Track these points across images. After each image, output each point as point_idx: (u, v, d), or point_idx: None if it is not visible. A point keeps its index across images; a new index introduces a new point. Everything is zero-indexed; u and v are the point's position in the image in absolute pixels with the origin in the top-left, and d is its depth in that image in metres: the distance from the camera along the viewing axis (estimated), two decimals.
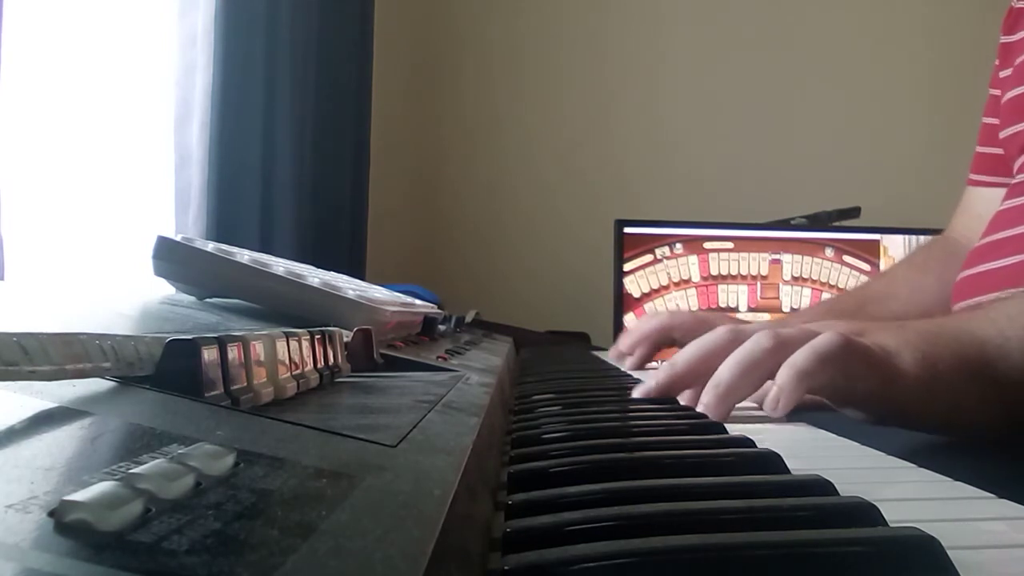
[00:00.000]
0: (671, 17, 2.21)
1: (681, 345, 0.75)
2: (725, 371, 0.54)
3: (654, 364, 0.97)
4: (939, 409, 0.56)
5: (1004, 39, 1.00)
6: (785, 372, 0.52)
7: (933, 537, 0.23)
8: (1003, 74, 0.98)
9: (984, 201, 1.02)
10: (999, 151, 0.98)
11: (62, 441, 0.21)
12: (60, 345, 0.24)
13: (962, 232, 1.07)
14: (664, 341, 0.99)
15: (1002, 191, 0.93)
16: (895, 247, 1.79)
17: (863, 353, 0.54)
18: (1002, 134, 0.94)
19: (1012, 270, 0.83)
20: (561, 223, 2.17)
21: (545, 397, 0.60)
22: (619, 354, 1.01)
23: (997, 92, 0.99)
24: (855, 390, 0.54)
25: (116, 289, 0.85)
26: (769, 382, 0.54)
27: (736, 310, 1.77)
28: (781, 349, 0.54)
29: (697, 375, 0.57)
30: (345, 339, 0.46)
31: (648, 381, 0.59)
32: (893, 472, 0.40)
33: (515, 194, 2.19)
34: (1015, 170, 0.91)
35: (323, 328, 0.42)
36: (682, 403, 0.59)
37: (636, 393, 0.59)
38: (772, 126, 2.19)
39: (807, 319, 1.04)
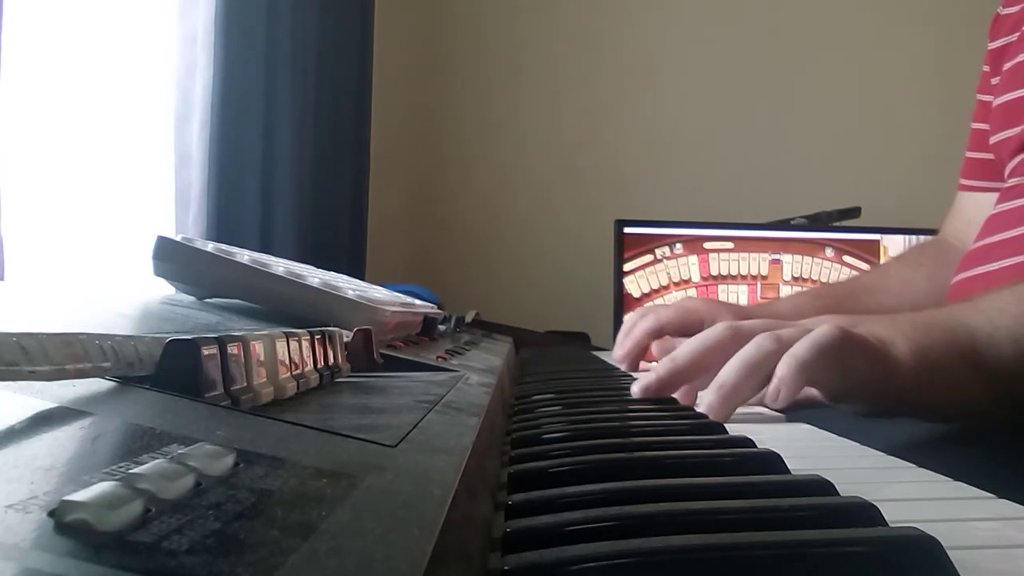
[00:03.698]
0: (670, 17, 2.21)
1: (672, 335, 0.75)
2: (730, 372, 0.55)
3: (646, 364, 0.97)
4: (933, 397, 0.58)
5: (991, 45, 1.00)
6: (786, 363, 0.53)
7: (933, 537, 0.23)
8: (993, 81, 0.98)
9: (975, 206, 1.02)
10: (989, 156, 0.98)
11: (62, 441, 0.21)
12: (60, 345, 0.24)
13: (953, 236, 1.07)
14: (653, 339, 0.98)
15: (992, 196, 0.94)
16: (895, 247, 1.79)
17: (861, 344, 0.55)
18: (993, 139, 0.95)
19: (1007, 273, 0.83)
20: (561, 223, 2.17)
21: (545, 397, 0.60)
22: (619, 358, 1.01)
23: (987, 98, 1.00)
24: (853, 380, 0.55)
25: (116, 289, 0.85)
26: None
27: None
28: (784, 352, 0.54)
29: (698, 370, 0.58)
30: (345, 339, 0.46)
31: (648, 376, 0.59)
32: (893, 472, 0.40)
33: (515, 194, 2.19)
34: (1007, 174, 0.91)
35: (323, 328, 0.42)
36: (679, 398, 0.59)
37: (635, 387, 0.59)
38: (772, 126, 2.19)
39: (796, 304, 1.05)
